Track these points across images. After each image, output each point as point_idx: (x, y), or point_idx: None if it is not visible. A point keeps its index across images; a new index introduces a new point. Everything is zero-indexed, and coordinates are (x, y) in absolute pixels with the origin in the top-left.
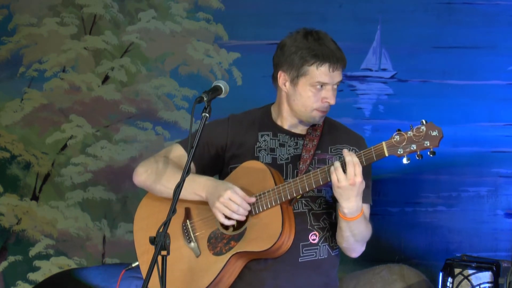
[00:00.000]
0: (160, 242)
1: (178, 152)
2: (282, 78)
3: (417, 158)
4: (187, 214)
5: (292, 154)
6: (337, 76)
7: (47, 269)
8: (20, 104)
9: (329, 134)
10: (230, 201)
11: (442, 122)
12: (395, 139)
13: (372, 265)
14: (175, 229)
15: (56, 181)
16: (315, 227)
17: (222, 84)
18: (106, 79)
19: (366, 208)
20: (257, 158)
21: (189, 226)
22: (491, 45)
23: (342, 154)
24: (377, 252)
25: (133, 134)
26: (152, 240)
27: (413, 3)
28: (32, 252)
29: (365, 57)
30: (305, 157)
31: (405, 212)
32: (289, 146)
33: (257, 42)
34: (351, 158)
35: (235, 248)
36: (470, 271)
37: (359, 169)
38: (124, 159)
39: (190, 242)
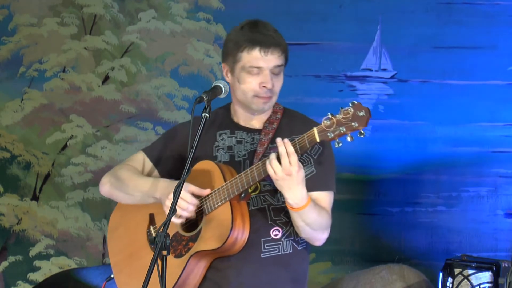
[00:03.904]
0: (160, 242)
1: (140, 159)
2: (225, 70)
3: (348, 140)
4: (151, 220)
5: (249, 150)
6: (272, 60)
7: (47, 269)
8: (20, 104)
9: (286, 126)
10: (179, 199)
11: (442, 122)
12: (325, 124)
13: (372, 265)
14: (140, 236)
15: (57, 181)
16: (276, 222)
17: (222, 84)
18: (106, 79)
19: (325, 196)
20: (215, 158)
21: (152, 232)
22: (491, 45)
23: None
24: (377, 252)
25: (133, 134)
26: (152, 240)
27: (413, 3)
28: (32, 252)
29: (365, 57)
30: (259, 152)
31: (405, 212)
32: (246, 142)
33: None
34: (283, 148)
35: (193, 249)
36: (470, 271)
37: (294, 158)
38: (124, 159)
39: (153, 247)
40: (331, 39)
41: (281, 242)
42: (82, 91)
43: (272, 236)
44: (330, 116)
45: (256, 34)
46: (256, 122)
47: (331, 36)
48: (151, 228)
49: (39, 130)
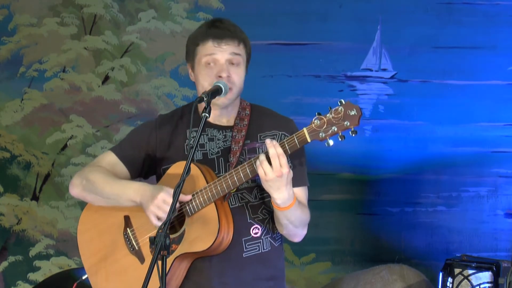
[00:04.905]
0: (160, 242)
1: (111, 160)
2: (189, 69)
3: (340, 139)
4: (127, 222)
5: (222, 147)
6: (227, 50)
7: (47, 269)
8: (20, 104)
9: (257, 122)
10: (163, 203)
11: (442, 122)
12: (315, 124)
13: (372, 265)
14: (117, 239)
15: (56, 181)
16: (255, 219)
17: (222, 84)
18: (106, 79)
19: (302, 191)
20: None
21: (130, 234)
22: (491, 45)
23: None
24: (377, 252)
25: None
26: (152, 241)
27: (413, 3)
28: (32, 252)
29: (365, 57)
30: (234, 149)
31: (405, 212)
32: (218, 139)
33: (257, 42)
34: (274, 150)
35: (177, 251)
36: (470, 271)
37: (284, 160)
38: None
39: (133, 249)
40: (331, 39)
41: (260, 240)
42: (82, 91)
43: (252, 234)
44: (319, 116)
45: (211, 28)
46: (226, 119)
47: (331, 36)
48: (128, 230)
49: (39, 130)
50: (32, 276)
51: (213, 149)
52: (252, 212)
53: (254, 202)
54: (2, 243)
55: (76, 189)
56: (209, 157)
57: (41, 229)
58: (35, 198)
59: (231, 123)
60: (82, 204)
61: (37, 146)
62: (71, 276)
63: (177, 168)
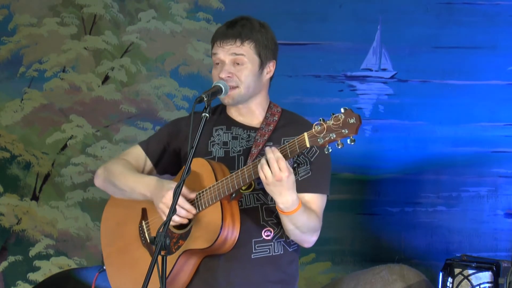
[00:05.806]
0: (160, 242)
1: (136, 153)
2: None
3: (338, 147)
4: (143, 215)
5: (245, 147)
6: (229, 50)
7: (47, 269)
8: (20, 104)
9: (283, 127)
10: (171, 200)
11: (442, 122)
12: (315, 129)
13: (372, 265)
14: (132, 231)
15: (56, 181)
16: (268, 222)
17: (222, 84)
18: (106, 79)
19: (316, 198)
20: (210, 153)
21: (144, 227)
22: (491, 45)
23: None
24: (377, 252)
25: (133, 134)
26: (152, 240)
27: (413, 3)
28: (32, 252)
29: (365, 57)
30: (253, 152)
31: (405, 212)
32: (241, 138)
33: None
34: (272, 154)
35: (183, 247)
36: (470, 271)
37: (283, 164)
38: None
39: (145, 242)
40: (331, 39)
41: (272, 243)
42: (82, 91)
43: (264, 236)
44: (321, 122)
45: (221, 28)
46: (251, 120)
47: (331, 36)
48: (143, 223)
49: (39, 130)
50: (32, 276)
51: (236, 147)
52: (266, 215)
53: (270, 204)
54: (2, 243)
55: (98, 180)
56: (230, 155)
57: (41, 229)
58: (35, 198)
59: (258, 125)
60: (82, 204)
61: (37, 146)
62: (71, 276)
63: (193, 165)
